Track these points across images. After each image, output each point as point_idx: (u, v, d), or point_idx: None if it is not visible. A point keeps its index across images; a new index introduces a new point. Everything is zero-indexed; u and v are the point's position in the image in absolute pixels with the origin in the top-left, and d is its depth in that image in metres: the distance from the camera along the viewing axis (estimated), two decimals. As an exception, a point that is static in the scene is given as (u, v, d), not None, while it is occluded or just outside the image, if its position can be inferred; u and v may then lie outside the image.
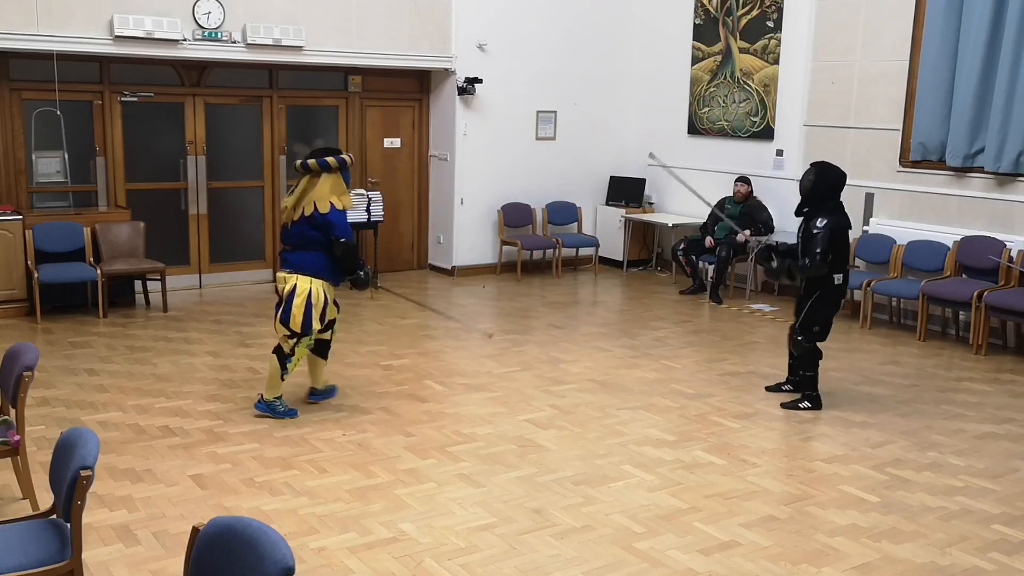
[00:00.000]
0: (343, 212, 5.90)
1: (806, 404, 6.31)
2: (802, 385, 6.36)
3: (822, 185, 6.13)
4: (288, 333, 5.84)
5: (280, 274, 5.95)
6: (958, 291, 7.94)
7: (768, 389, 6.70)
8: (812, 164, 6.31)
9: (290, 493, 4.84)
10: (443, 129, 10.73)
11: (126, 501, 4.69)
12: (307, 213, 5.82)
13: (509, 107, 10.72)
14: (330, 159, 5.86)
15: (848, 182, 9.10)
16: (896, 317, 8.85)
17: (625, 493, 4.94)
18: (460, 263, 10.77)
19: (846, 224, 6.17)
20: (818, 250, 5.98)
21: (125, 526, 4.42)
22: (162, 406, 6.13)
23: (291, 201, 5.93)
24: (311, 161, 5.87)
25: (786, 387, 6.63)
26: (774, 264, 6.32)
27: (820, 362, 6.33)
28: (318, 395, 6.29)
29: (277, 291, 6.03)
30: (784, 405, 6.31)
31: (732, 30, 10.31)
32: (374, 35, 9.82)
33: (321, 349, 6.19)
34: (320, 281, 5.85)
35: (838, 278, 6.15)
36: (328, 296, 5.91)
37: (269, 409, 5.98)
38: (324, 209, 5.80)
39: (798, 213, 6.28)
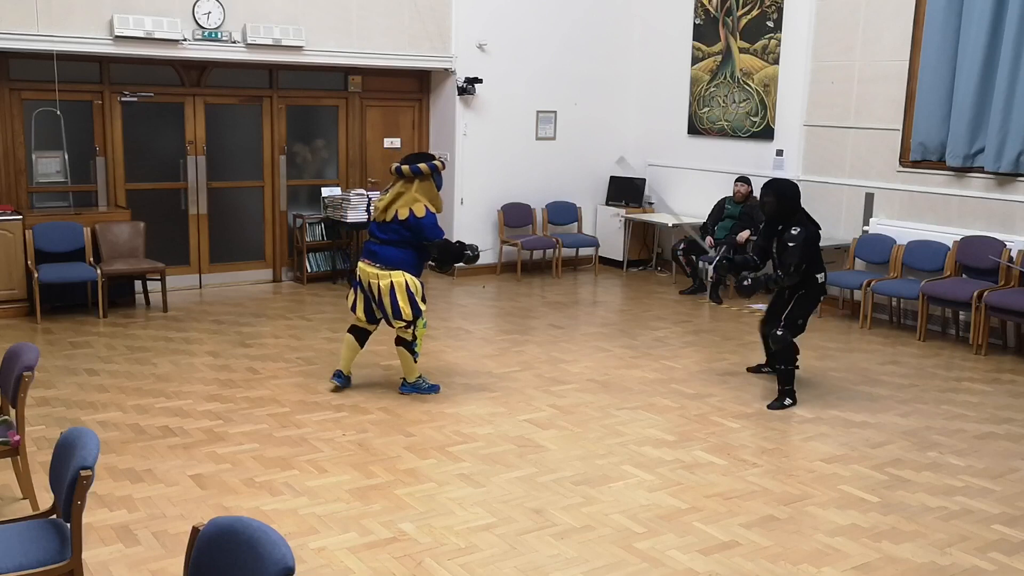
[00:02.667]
0: (434, 215, 6.28)
1: (789, 401, 6.37)
2: (782, 380, 6.40)
3: (785, 203, 6.31)
4: (404, 324, 6.26)
5: (366, 267, 6.26)
6: (958, 291, 7.94)
7: (749, 370, 7.07)
8: (765, 185, 6.43)
9: (290, 493, 4.84)
10: (443, 129, 10.74)
11: (126, 501, 4.69)
12: (401, 217, 6.18)
13: (509, 107, 10.72)
14: (422, 165, 6.22)
15: (848, 182, 9.26)
16: (896, 317, 8.85)
17: (625, 493, 4.94)
18: (460, 263, 10.75)
19: (816, 230, 6.34)
20: (792, 263, 6.19)
21: (125, 526, 4.43)
22: (162, 406, 6.13)
23: (384, 202, 6.27)
24: (404, 167, 6.21)
25: (765, 369, 6.95)
26: (746, 283, 6.41)
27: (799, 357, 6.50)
28: (343, 379, 6.54)
29: (358, 280, 6.34)
30: (770, 407, 6.33)
31: (732, 30, 10.31)
32: (374, 35, 9.82)
33: (362, 337, 6.50)
34: (411, 275, 6.24)
35: (820, 276, 6.36)
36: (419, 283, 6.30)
37: (415, 389, 6.48)
38: (420, 213, 6.17)
39: (769, 231, 6.45)
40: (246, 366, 7.07)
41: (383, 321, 6.41)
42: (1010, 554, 4.37)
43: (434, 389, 6.50)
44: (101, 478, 4.86)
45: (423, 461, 5.32)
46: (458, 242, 6.59)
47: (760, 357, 7.22)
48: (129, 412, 6.01)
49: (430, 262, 6.45)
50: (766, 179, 9.78)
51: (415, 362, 6.43)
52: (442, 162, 6.35)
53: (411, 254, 6.25)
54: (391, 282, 6.18)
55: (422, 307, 6.28)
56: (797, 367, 6.43)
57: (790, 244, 6.20)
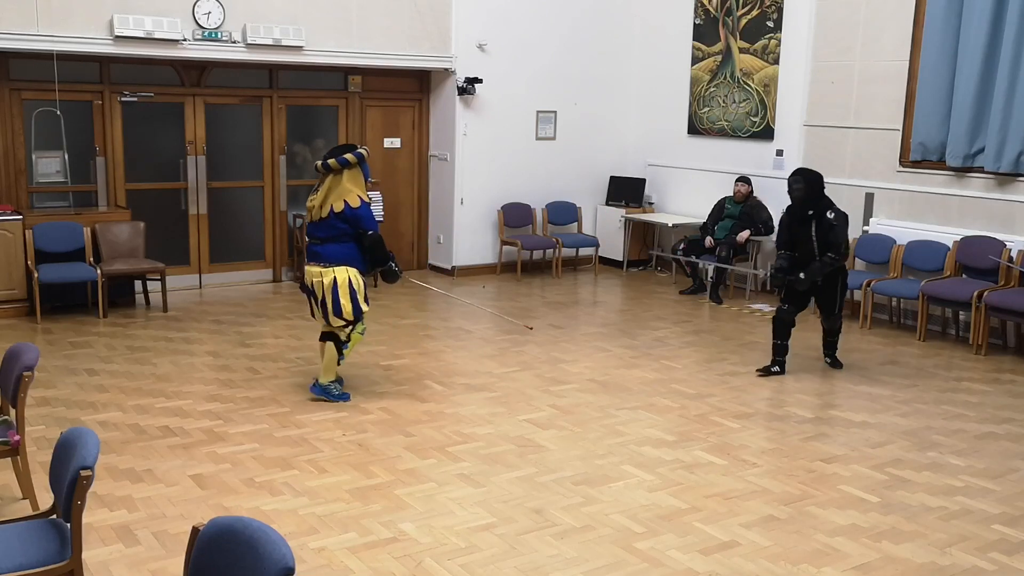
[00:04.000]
0: (368, 205, 6.20)
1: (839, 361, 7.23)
2: (831, 349, 7.30)
3: (814, 188, 6.83)
4: (343, 323, 6.13)
5: (311, 268, 6.19)
6: (958, 291, 7.94)
7: (759, 373, 7.11)
8: (795, 172, 6.96)
9: (290, 493, 4.84)
10: (443, 129, 10.73)
11: (126, 501, 4.69)
12: (337, 210, 6.08)
13: (509, 107, 10.72)
14: (348, 156, 6.11)
15: (848, 182, 9.27)
16: (896, 317, 8.85)
17: (625, 493, 4.94)
18: (460, 263, 10.77)
19: (846, 213, 6.97)
20: (842, 242, 6.79)
21: (125, 526, 4.43)
22: (162, 406, 6.13)
23: (318, 199, 6.14)
24: (331, 161, 6.11)
25: (775, 369, 7.09)
26: (802, 276, 6.85)
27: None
28: (318, 388, 6.41)
29: (305, 284, 6.28)
30: (835, 366, 7.24)
31: (732, 30, 10.31)
32: (374, 35, 9.82)
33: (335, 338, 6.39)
34: (356, 270, 6.13)
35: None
36: (362, 281, 6.18)
37: (324, 392, 6.28)
38: (354, 204, 6.09)
39: (802, 216, 6.87)
40: (246, 366, 7.07)
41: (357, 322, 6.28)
42: (1010, 554, 4.37)
43: (344, 397, 6.29)
44: (101, 478, 4.85)
45: (423, 461, 5.32)
46: (390, 252, 6.45)
47: (764, 359, 7.24)
48: (129, 412, 6.01)
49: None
50: (767, 178, 9.92)
51: (339, 364, 6.27)
52: (366, 150, 6.24)
53: (352, 247, 6.13)
54: (334, 278, 6.04)
55: (364, 308, 6.15)
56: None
57: (835, 224, 6.76)
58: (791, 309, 7.04)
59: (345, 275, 6.07)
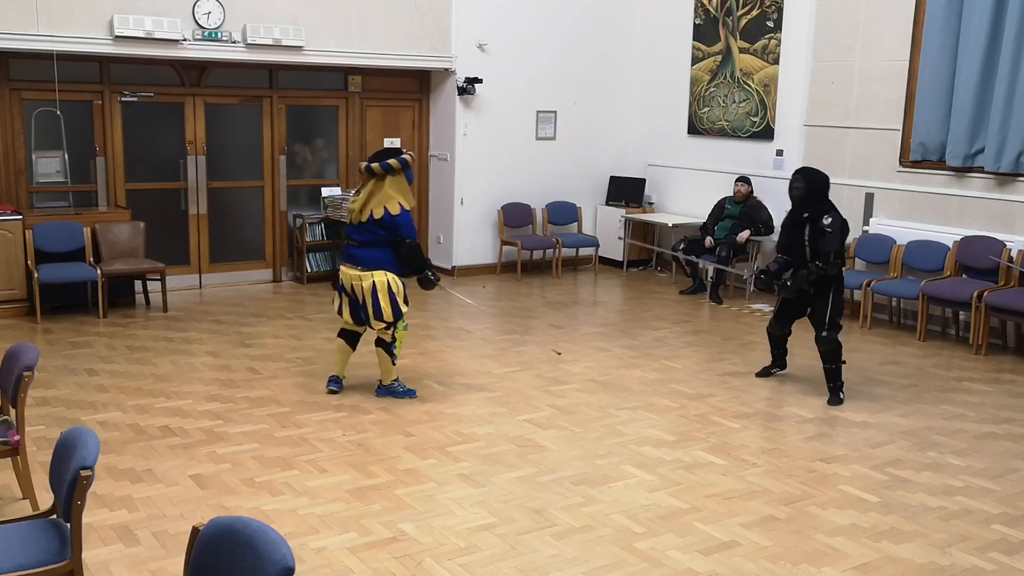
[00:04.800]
0: (409, 212, 6.27)
1: (842, 394, 6.49)
2: (832, 377, 6.49)
3: (814, 190, 6.35)
4: (384, 325, 6.22)
5: (348, 270, 6.22)
6: (958, 291, 7.94)
7: (759, 375, 7.00)
8: (797, 171, 6.49)
9: (290, 493, 4.84)
10: (443, 129, 10.74)
11: (126, 501, 4.69)
12: (376, 216, 6.14)
13: (509, 107, 10.72)
14: (392, 161, 6.19)
15: (848, 182, 9.27)
16: (896, 317, 8.85)
17: (625, 493, 4.94)
18: (460, 263, 10.77)
19: (846, 220, 6.43)
20: (832, 249, 6.23)
21: (125, 526, 4.43)
22: (162, 406, 6.13)
23: (358, 203, 6.21)
24: (375, 165, 6.17)
25: (774, 370, 6.98)
26: (788, 283, 6.45)
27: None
28: (338, 383, 6.54)
29: (341, 284, 6.32)
30: (831, 403, 6.42)
31: (732, 30, 10.31)
32: (374, 35, 9.82)
33: (351, 338, 6.49)
34: (393, 275, 6.19)
35: (843, 269, 6.46)
36: (400, 283, 6.24)
37: (390, 392, 6.41)
38: (394, 211, 6.15)
39: (796, 219, 6.43)
40: (246, 366, 7.07)
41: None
42: (1010, 554, 4.37)
43: (410, 393, 6.42)
44: (101, 478, 4.85)
45: (423, 461, 5.32)
46: (428, 259, 6.53)
47: (764, 359, 7.22)
48: (129, 412, 6.01)
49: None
50: (767, 178, 9.93)
51: (393, 364, 6.38)
52: (411, 156, 6.32)
53: (390, 253, 6.19)
54: (373, 282, 6.12)
55: (403, 309, 6.24)
56: (844, 362, 6.51)
57: (828, 231, 6.24)
58: (778, 324, 6.76)
59: (384, 278, 6.13)
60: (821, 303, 6.41)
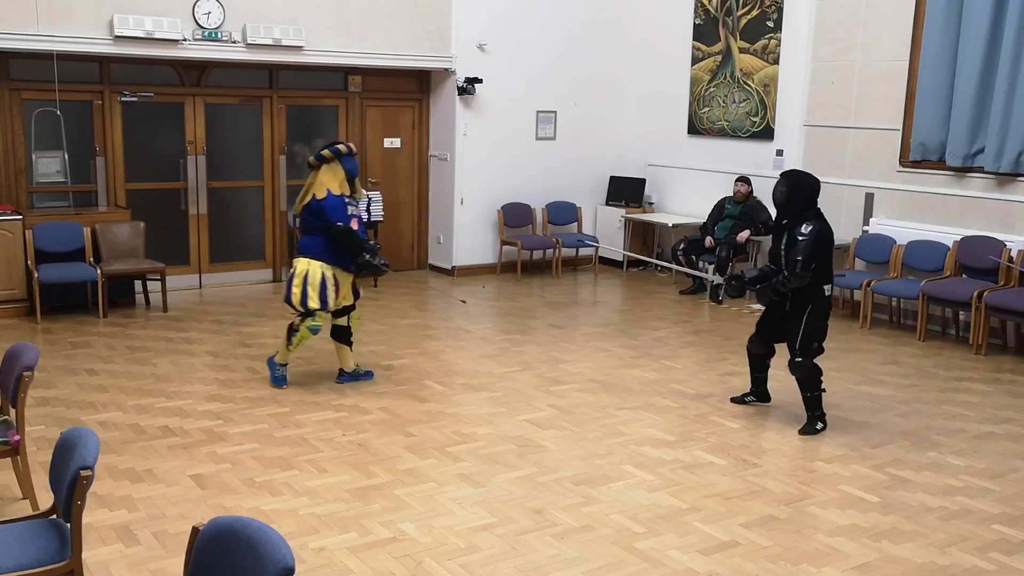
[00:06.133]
0: (339, 197, 6.30)
1: (821, 425, 5.91)
2: (810, 406, 5.92)
3: (797, 196, 5.77)
4: (293, 311, 6.38)
5: (297, 259, 6.43)
6: (958, 291, 7.94)
7: (733, 400, 6.43)
8: (783, 174, 5.90)
9: (290, 493, 4.84)
10: (443, 129, 10.73)
11: (126, 501, 4.69)
12: (306, 201, 6.33)
13: (509, 107, 10.72)
14: (325, 151, 6.33)
15: (848, 182, 9.26)
16: (896, 317, 8.85)
17: (625, 493, 4.94)
18: (460, 263, 10.77)
19: (830, 232, 5.82)
20: (799, 258, 5.63)
21: (125, 526, 4.43)
22: (162, 406, 6.13)
23: (300, 195, 6.43)
24: (311, 158, 6.40)
25: (749, 398, 6.38)
26: (757, 289, 5.99)
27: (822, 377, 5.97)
28: (346, 377, 6.67)
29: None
30: (802, 432, 5.86)
31: (732, 30, 10.31)
32: (374, 35, 9.82)
33: (340, 335, 6.60)
34: (320, 263, 6.28)
35: (828, 289, 5.80)
36: (330, 277, 6.30)
37: (271, 367, 6.59)
38: (320, 195, 6.30)
39: (776, 226, 5.95)
40: (246, 366, 7.07)
41: (353, 311, 6.57)
42: (1010, 554, 4.37)
43: (277, 382, 6.51)
44: (101, 478, 4.85)
45: (423, 461, 5.31)
46: (371, 243, 6.47)
47: (745, 382, 6.62)
48: (129, 412, 6.01)
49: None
50: (767, 178, 9.91)
51: (288, 351, 6.46)
52: (347, 146, 6.36)
53: (322, 241, 6.28)
54: (295, 268, 6.31)
55: (311, 304, 6.25)
56: (824, 390, 5.94)
57: (800, 239, 5.67)
58: (758, 341, 6.20)
59: (306, 267, 6.26)
60: (794, 324, 5.84)
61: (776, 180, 5.94)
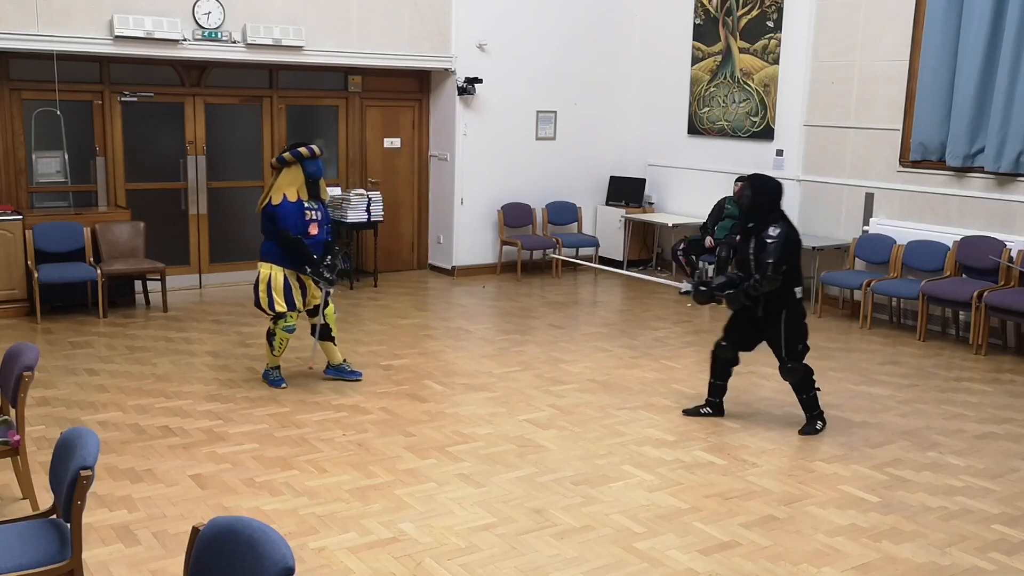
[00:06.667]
0: (294, 204, 6.25)
1: (820, 424, 5.91)
2: (807, 406, 5.91)
3: (761, 199, 5.74)
4: (265, 315, 6.47)
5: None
6: (958, 291, 7.94)
7: (686, 413, 6.22)
8: (746, 178, 5.87)
9: (290, 493, 4.84)
10: (443, 129, 10.74)
11: (126, 501, 4.69)
12: (263, 204, 6.35)
13: (509, 107, 10.72)
14: (286, 154, 6.29)
15: (848, 182, 9.26)
16: (896, 317, 8.85)
17: (625, 493, 4.94)
18: (460, 263, 10.78)
19: (797, 234, 5.77)
20: (770, 261, 5.57)
21: (125, 526, 4.43)
22: (162, 406, 6.13)
23: (262, 195, 6.45)
24: (273, 160, 6.42)
25: (704, 411, 6.20)
26: (727, 295, 5.84)
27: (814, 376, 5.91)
28: (334, 370, 6.73)
29: None
30: (802, 432, 5.84)
31: (732, 30, 10.31)
32: (374, 35, 9.82)
33: (323, 333, 6.61)
34: (280, 267, 6.30)
35: (798, 291, 5.75)
36: (293, 280, 6.35)
37: (265, 375, 6.64)
38: (276, 200, 6.30)
39: (743, 230, 5.86)
40: (246, 366, 7.07)
41: (326, 308, 6.56)
42: (1010, 554, 4.37)
43: (278, 383, 6.53)
44: (101, 478, 4.85)
45: (423, 461, 5.31)
46: (327, 248, 6.39)
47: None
48: (129, 412, 6.01)
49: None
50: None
51: (272, 355, 6.51)
52: (309, 149, 6.28)
53: (274, 245, 6.30)
54: (259, 272, 6.35)
55: (278, 308, 6.29)
56: (818, 389, 5.92)
57: (768, 242, 5.61)
58: (727, 346, 6.05)
59: (267, 272, 6.30)
60: (772, 330, 5.79)
61: (741, 185, 5.95)
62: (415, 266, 11.09)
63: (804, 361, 5.84)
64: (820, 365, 7.37)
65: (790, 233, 5.69)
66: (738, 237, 5.86)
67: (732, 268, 6.03)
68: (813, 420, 5.92)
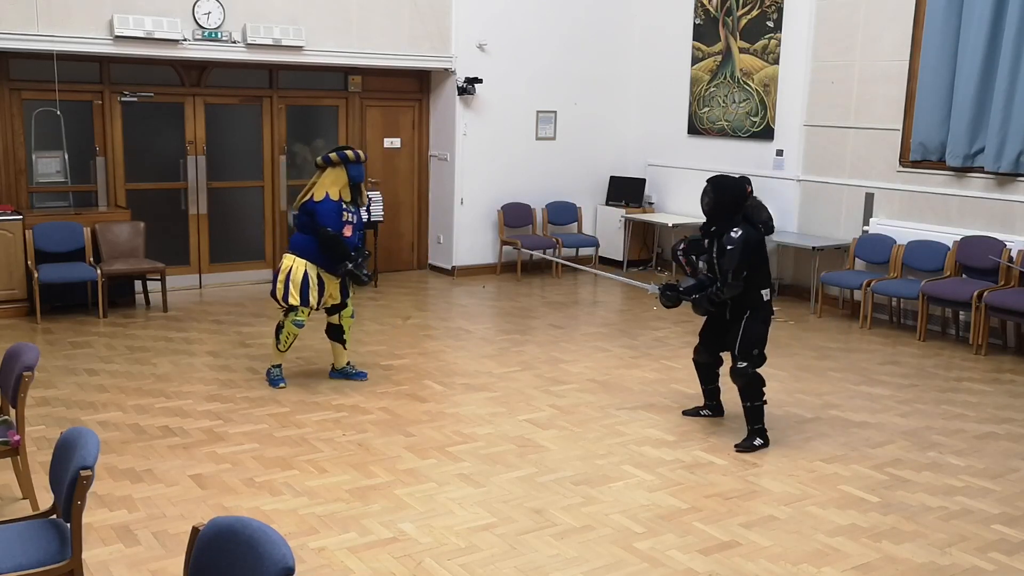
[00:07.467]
0: (336, 203, 6.38)
1: (759, 441, 5.60)
2: (751, 418, 5.63)
3: (723, 200, 5.61)
4: (278, 306, 6.51)
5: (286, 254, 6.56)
6: (958, 291, 7.94)
7: (685, 413, 6.18)
8: (708, 181, 5.73)
9: (290, 493, 4.84)
10: (443, 129, 10.74)
11: (126, 501, 4.69)
12: (304, 200, 6.44)
13: (509, 107, 10.72)
14: (332, 155, 6.43)
15: (848, 182, 9.26)
16: (896, 317, 8.85)
17: (625, 493, 4.94)
18: (460, 263, 10.77)
19: (760, 236, 5.60)
20: (731, 269, 5.46)
21: (125, 526, 4.43)
22: (162, 406, 6.13)
23: (303, 192, 6.52)
24: (318, 158, 6.51)
25: (704, 412, 6.14)
26: (693, 299, 5.78)
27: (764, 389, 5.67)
28: (337, 373, 6.78)
29: None
30: (738, 448, 5.57)
31: (732, 30, 10.31)
32: (374, 35, 9.82)
33: (333, 333, 6.70)
34: (306, 261, 6.37)
35: (766, 294, 5.60)
36: (313, 276, 6.39)
37: (267, 373, 6.70)
38: (318, 197, 6.36)
39: (705, 233, 5.77)
40: (246, 366, 7.07)
41: (344, 309, 6.64)
42: (1010, 554, 4.37)
43: (277, 382, 6.56)
44: (101, 478, 4.86)
45: (423, 461, 5.32)
46: (357, 251, 6.45)
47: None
48: (129, 412, 6.01)
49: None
50: (767, 178, 9.93)
51: (278, 351, 6.55)
52: (355, 153, 6.45)
53: (311, 240, 6.36)
54: (282, 263, 6.42)
55: (292, 300, 6.34)
56: (765, 402, 5.64)
57: (728, 247, 5.47)
58: (702, 350, 5.96)
59: (291, 263, 6.36)
60: (734, 330, 5.61)
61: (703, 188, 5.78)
62: (415, 266, 11.10)
63: (758, 370, 5.59)
64: (820, 365, 7.38)
65: (750, 237, 5.51)
66: (705, 240, 5.77)
67: (703, 271, 5.95)
68: (753, 435, 5.62)
